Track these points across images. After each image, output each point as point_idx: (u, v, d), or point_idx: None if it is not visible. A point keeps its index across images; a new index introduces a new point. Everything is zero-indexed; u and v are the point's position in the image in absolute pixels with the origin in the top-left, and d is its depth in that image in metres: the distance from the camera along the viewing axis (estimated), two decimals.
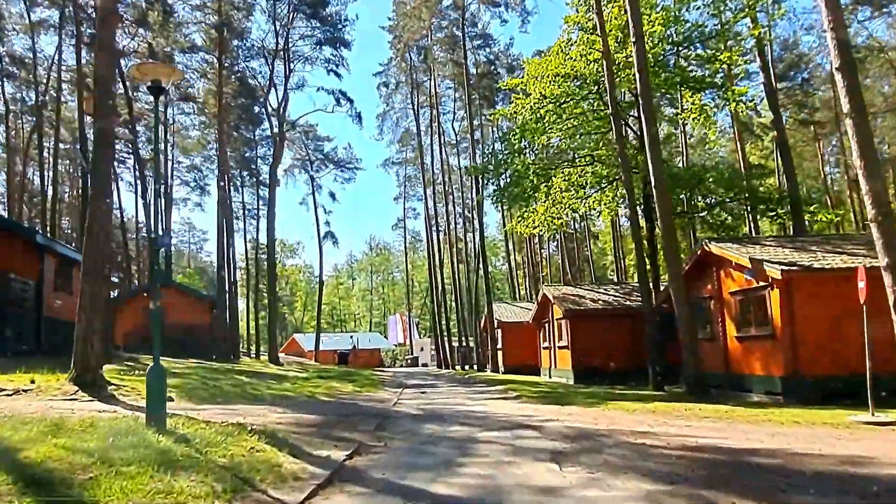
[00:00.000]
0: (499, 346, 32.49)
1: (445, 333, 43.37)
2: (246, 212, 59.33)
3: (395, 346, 74.58)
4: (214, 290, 47.12)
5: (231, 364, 27.20)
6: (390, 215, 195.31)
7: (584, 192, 25.96)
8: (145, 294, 31.30)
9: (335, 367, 39.13)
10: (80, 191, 37.09)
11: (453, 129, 49.93)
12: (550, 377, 26.62)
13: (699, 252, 16.50)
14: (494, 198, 26.06)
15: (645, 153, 16.55)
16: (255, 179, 53.46)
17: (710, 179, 20.99)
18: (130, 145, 48.29)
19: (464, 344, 46.37)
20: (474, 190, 37.59)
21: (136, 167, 36.72)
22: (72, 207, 52.90)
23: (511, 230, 29.46)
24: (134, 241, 54.46)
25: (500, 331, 32.51)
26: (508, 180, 23.28)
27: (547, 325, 27.06)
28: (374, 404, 13.24)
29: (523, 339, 31.16)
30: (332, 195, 59.71)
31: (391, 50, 48.46)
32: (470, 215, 54.65)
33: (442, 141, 50.96)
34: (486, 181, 30.70)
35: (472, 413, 11.31)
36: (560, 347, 24.88)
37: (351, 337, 53.52)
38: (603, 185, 24.71)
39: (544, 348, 27.88)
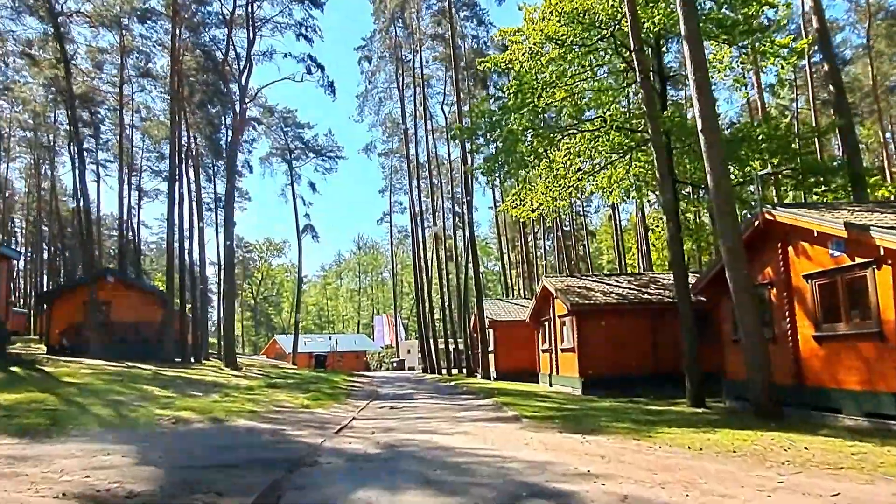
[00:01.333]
0: (490, 348, 28.35)
1: (432, 335, 39.20)
2: (218, 203, 54.81)
3: (382, 348, 70.23)
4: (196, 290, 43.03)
5: (177, 369, 22.92)
6: (376, 209, 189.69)
7: (593, 166, 21.94)
8: (86, 286, 27.07)
9: (307, 371, 34.86)
10: None
11: (443, 112, 45.79)
12: (551, 385, 22.53)
13: (757, 223, 12.41)
14: (485, 168, 21.88)
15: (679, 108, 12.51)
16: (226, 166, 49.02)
17: (761, 137, 16.82)
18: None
19: (452, 346, 42.21)
20: (461, 160, 33.39)
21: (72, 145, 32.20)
22: None
23: (504, 211, 25.29)
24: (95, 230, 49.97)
25: (491, 331, 28.41)
26: (502, 144, 19.08)
27: (547, 323, 22.98)
28: (305, 434, 9.06)
29: (519, 341, 27.07)
30: (312, 185, 55.71)
31: (375, 23, 44.26)
32: (460, 210, 50.55)
33: (429, 126, 46.83)
34: (475, 149, 26.51)
35: (451, 454, 7.14)
36: (564, 350, 20.78)
37: (329, 338, 49.18)
38: (616, 156, 20.67)
39: (543, 351, 23.79)
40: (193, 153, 47.62)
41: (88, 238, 26.83)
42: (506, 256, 60.41)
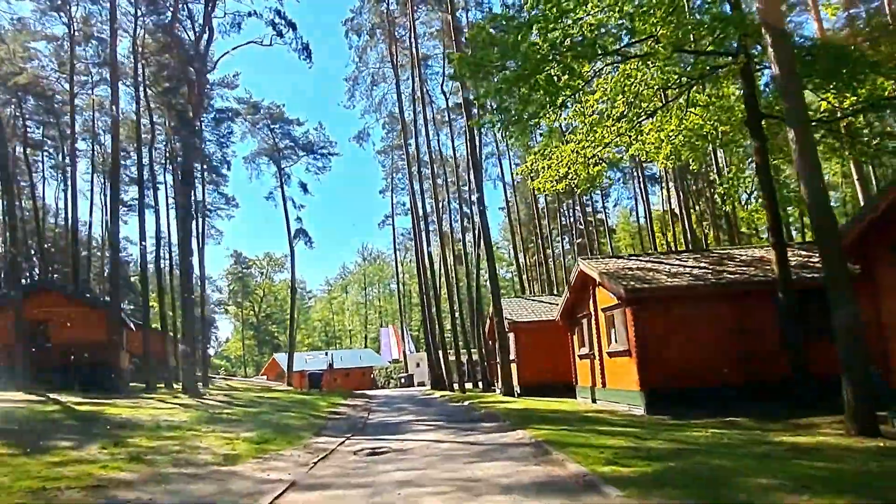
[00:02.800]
0: (512, 356, 22.92)
1: (441, 346, 33.84)
2: (205, 211, 49.83)
3: (390, 363, 64.75)
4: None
5: (112, 400, 17.75)
6: (376, 212, 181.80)
7: (637, 114, 16.76)
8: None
9: (296, 393, 29.62)
10: None
11: (443, 95, 40.65)
12: (594, 401, 17.17)
13: None
14: (494, 120, 16.62)
15: None
16: (202, 167, 44.12)
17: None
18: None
19: (465, 357, 36.84)
20: (465, 116, 27.97)
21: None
22: None
23: (522, 174, 20.10)
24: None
25: (512, 336, 23.05)
26: (518, 67, 13.69)
27: (586, 321, 17.66)
28: None
29: (546, 346, 21.76)
30: (304, 186, 50.55)
31: None
32: (469, 210, 45.34)
33: (428, 115, 41.79)
34: (481, 98, 21.40)
35: None
36: (613, 354, 15.42)
37: (326, 354, 43.93)
38: (676, 91, 15.50)
39: (582, 357, 18.43)
40: (169, 155, 43.01)
41: (13, 243, 21.78)
42: (520, 257, 55.15)
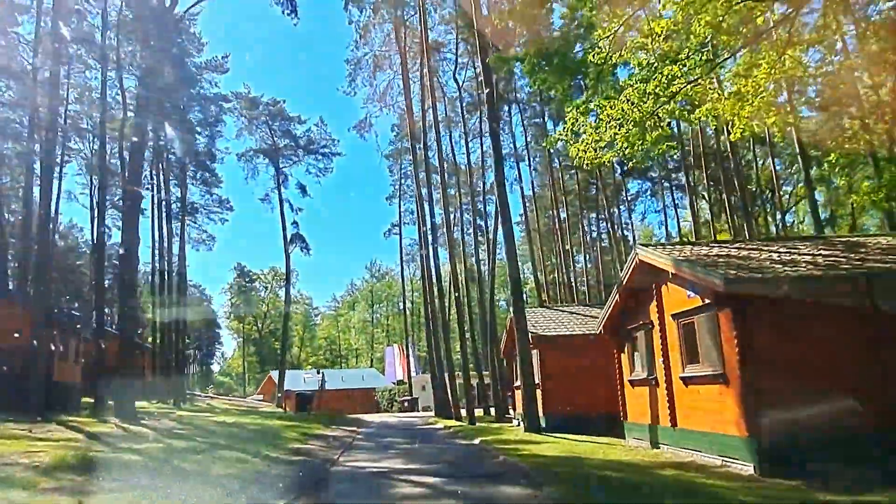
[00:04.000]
0: (536, 379, 17.96)
1: (446, 367, 28.82)
2: (192, 210, 45.76)
3: (394, 384, 59.66)
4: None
5: None
6: (382, 219, 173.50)
7: (720, 46, 12.33)
8: None
9: (274, 418, 24.86)
10: None
11: (456, 83, 36.36)
12: (657, 444, 12.30)
13: None
14: (528, 61, 12.05)
15: None
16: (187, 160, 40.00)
17: None
18: None
19: (476, 381, 31.93)
20: (484, 83, 22.94)
21: None
22: None
23: (555, 144, 15.62)
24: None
25: (536, 354, 18.18)
26: None
27: (643, 334, 12.84)
28: None
29: (582, 367, 16.99)
30: (303, 188, 46.52)
31: None
32: (482, 224, 40.74)
33: (439, 114, 37.48)
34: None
35: None
36: (693, 380, 10.57)
37: (318, 372, 39.14)
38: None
39: (636, 383, 13.56)
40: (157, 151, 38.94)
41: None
42: (538, 274, 50.28)
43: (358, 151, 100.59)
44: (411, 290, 76.62)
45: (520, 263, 67.05)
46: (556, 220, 46.69)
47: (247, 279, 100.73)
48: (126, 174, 16.69)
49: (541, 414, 17.50)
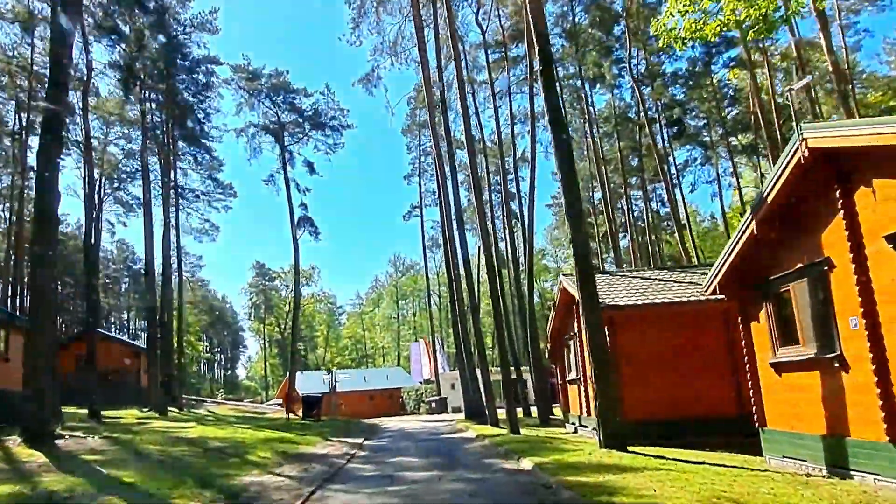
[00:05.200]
0: (612, 371, 12.53)
1: (477, 361, 23.48)
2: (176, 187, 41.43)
3: (421, 383, 54.62)
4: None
5: None
6: (400, 200, 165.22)
7: None
8: None
9: (265, 430, 20.02)
10: None
11: (479, 28, 31.04)
12: (843, 468, 7.00)
13: None
14: None
15: None
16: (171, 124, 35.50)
17: None
18: None
19: (514, 375, 26.58)
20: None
21: None
22: None
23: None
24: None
25: (610, 331, 12.80)
26: None
27: (810, 284, 7.52)
28: None
29: (677, 350, 11.63)
30: (310, 166, 41.70)
31: None
32: (515, 209, 35.43)
33: (462, 73, 32.18)
34: None
35: None
36: None
37: (328, 373, 34.27)
38: None
39: (789, 366, 8.24)
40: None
41: None
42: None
43: (368, 121, 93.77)
44: (437, 282, 71.57)
45: (551, 252, 60.88)
46: (605, 189, 40.84)
47: (266, 277, 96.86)
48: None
49: (616, 417, 12.14)
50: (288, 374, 38.11)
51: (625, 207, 47.90)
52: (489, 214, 33.87)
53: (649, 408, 11.97)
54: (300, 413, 30.06)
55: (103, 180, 46.61)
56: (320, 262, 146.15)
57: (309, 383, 47.19)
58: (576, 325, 15.18)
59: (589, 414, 14.70)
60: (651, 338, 12.18)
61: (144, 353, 35.70)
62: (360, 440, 16.66)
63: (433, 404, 42.40)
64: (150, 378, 31.28)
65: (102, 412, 20.59)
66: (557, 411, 23.39)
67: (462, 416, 30.70)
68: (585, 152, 44.63)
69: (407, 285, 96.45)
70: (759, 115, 35.89)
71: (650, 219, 46.34)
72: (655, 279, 13.76)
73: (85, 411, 20.00)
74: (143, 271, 37.80)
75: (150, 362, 32.14)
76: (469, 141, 24.09)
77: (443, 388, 46.14)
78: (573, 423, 16.82)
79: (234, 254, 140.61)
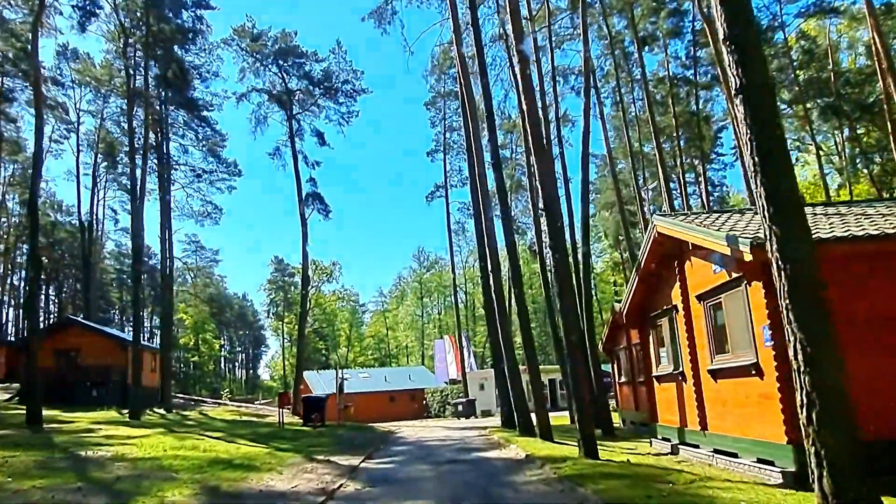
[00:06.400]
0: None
1: (518, 350, 18.04)
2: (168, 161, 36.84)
3: (446, 383, 49.29)
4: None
5: None
6: (423, 181, 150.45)
7: None
8: None
9: (241, 442, 15.04)
10: None
11: None
12: None
13: None
14: None
15: None
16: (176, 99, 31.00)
17: None
18: None
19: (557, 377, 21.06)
20: None
21: None
22: None
23: None
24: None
25: (783, 278, 7.33)
26: None
27: None
28: None
29: None
30: (320, 136, 36.91)
31: None
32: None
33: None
34: None
35: None
36: None
37: (339, 373, 29.25)
38: None
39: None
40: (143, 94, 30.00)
41: None
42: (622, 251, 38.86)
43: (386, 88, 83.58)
44: (463, 277, 66.20)
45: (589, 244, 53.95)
46: (635, 183, 34.78)
47: (285, 273, 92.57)
48: None
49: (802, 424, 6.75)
50: (295, 372, 33.28)
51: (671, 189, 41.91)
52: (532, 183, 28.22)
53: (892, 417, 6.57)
54: (298, 414, 25.34)
55: (98, 159, 42.40)
56: (343, 259, 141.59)
57: (323, 383, 42.44)
58: (679, 291, 9.84)
59: (704, 428, 9.36)
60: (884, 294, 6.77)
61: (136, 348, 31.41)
62: (357, 460, 11.48)
63: (460, 407, 37.10)
64: (133, 376, 26.80)
65: (83, 413, 17.79)
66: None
67: (495, 421, 25.43)
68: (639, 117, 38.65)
69: (431, 281, 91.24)
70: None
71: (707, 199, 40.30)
72: (854, 214, 8.18)
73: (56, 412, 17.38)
74: (131, 254, 33.39)
75: (134, 358, 27.71)
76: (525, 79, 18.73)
77: (471, 389, 40.82)
78: (665, 439, 11.42)
79: (251, 250, 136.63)
